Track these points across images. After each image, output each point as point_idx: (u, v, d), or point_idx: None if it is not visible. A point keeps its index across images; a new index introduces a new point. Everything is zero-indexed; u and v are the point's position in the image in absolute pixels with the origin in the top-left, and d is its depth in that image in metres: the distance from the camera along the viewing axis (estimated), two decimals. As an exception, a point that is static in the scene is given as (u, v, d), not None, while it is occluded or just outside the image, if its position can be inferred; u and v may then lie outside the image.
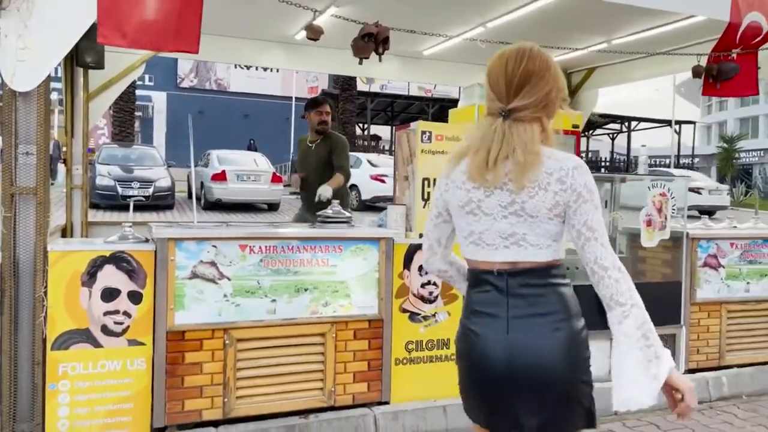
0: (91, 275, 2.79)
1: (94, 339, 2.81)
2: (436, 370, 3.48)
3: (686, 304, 4.12)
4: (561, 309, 1.63)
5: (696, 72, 4.33)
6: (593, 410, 1.64)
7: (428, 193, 3.55)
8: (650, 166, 28.92)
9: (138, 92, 22.78)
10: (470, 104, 5.08)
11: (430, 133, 3.56)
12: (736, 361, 4.25)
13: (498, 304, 1.62)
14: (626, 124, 30.46)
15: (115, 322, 2.84)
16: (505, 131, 1.59)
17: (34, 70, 2.58)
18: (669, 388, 1.52)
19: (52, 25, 2.61)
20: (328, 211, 3.51)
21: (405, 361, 3.41)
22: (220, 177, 14.82)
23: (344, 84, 22.82)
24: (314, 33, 3.35)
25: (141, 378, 2.89)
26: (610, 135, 32.56)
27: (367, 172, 15.93)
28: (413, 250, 3.41)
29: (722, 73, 4.21)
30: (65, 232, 4.37)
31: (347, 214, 3.52)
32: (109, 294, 2.83)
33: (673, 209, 4.00)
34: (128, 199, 13.45)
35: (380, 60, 3.48)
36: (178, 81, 35.38)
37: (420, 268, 3.42)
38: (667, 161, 30.98)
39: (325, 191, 4.52)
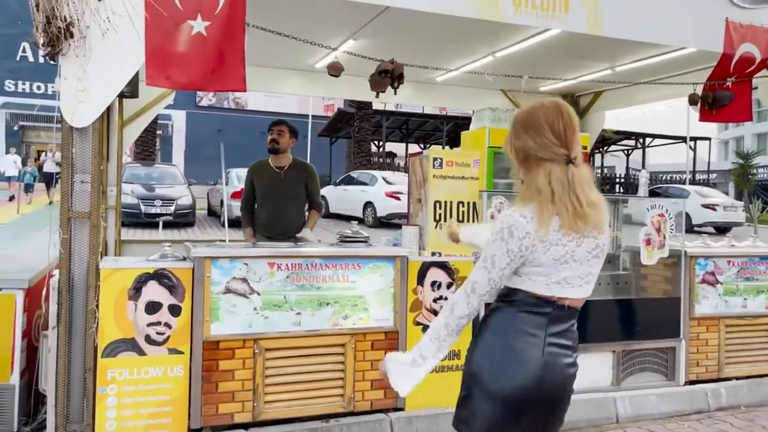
0: (136, 290, 3.12)
1: (139, 348, 3.13)
2: (447, 379, 3.73)
3: (685, 319, 4.35)
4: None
5: (692, 100, 4.59)
6: None
7: (439, 214, 3.84)
8: (665, 182, 28.92)
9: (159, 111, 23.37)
10: (481, 127, 5.35)
11: (441, 159, 3.86)
12: (734, 373, 4.46)
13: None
14: (641, 140, 30.53)
15: (157, 333, 3.16)
16: (575, 176, 1.73)
17: (91, 109, 2.93)
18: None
19: (107, 69, 2.96)
20: (348, 231, 3.82)
21: (419, 370, 3.69)
22: (240, 195, 15.19)
23: (360, 103, 23.23)
24: (336, 71, 3.68)
25: (179, 383, 3.20)
26: (625, 151, 32.63)
27: (382, 189, 16.24)
28: (426, 267, 3.70)
29: (717, 101, 4.47)
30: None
31: (365, 234, 3.82)
32: (152, 307, 3.15)
33: (672, 229, 4.25)
34: (151, 218, 13.95)
35: (395, 93, 3.79)
36: (197, 100, 36.15)
37: (432, 283, 3.71)
38: (683, 177, 30.95)
39: (308, 236, 4.59)
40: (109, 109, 4.97)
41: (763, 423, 4.00)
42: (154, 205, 14.57)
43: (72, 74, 2.92)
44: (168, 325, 3.18)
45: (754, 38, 4.34)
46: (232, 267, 3.28)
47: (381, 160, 24.70)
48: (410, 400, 3.64)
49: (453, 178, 3.84)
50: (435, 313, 3.72)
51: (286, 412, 3.38)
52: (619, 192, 27.84)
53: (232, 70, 3.09)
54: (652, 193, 22.30)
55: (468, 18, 3.79)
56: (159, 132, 26.14)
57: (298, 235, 4.61)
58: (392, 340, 3.60)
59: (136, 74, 3.65)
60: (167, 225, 14.08)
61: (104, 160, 5.02)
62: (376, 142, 26.68)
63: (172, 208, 14.68)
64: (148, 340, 3.15)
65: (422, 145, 29.70)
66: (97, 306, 3.05)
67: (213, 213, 18.50)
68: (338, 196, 18.04)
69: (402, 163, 27.73)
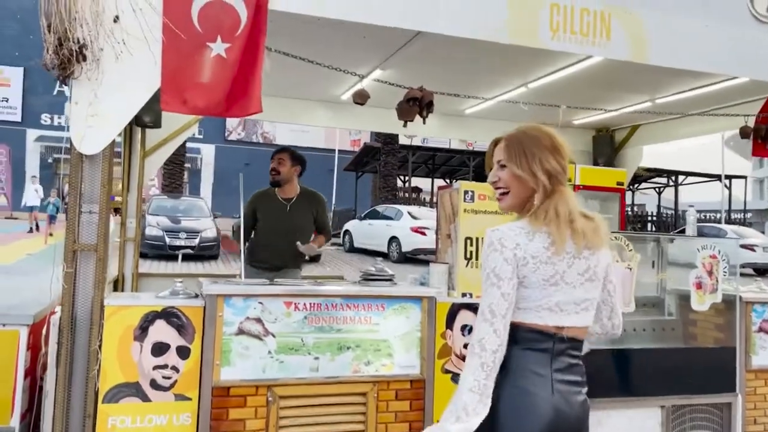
0: (143, 329, 2.89)
1: (143, 393, 2.88)
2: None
3: (741, 371, 3.95)
4: None
5: (744, 132, 4.30)
6: None
7: (471, 252, 3.57)
8: (699, 221, 28.12)
9: (188, 145, 23.73)
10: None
11: (473, 192, 3.61)
12: (797, 433, 4.02)
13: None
14: (673, 178, 29.88)
15: (164, 377, 2.91)
16: (570, 198, 1.78)
17: (101, 135, 2.76)
18: None
19: (119, 93, 2.80)
20: (371, 269, 3.56)
21: (447, 423, 3.36)
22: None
23: (386, 137, 23.22)
24: (362, 98, 3.49)
25: (186, 433, 2.94)
26: (657, 189, 31.95)
27: (407, 224, 16.04)
28: (456, 309, 3.41)
29: (771, 134, 4.17)
30: (117, 283, 4.53)
31: (390, 272, 3.55)
32: (159, 348, 2.91)
33: (725, 272, 3.90)
34: (175, 250, 13.90)
35: (424, 122, 3.58)
36: (226, 134, 36.68)
37: (463, 327, 3.41)
38: (718, 216, 30.10)
39: (309, 250, 4.27)
40: (131, 139, 4.89)
41: (834, 492, 3.56)
42: (179, 238, 14.54)
43: (83, 99, 2.76)
44: (175, 369, 2.93)
45: (809, 67, 4.04)
46: (246, 306, 3.03)
47: (407, 194, 24.55)
48: (437, 457, 3.30)
49: (485, 213, 3.57)
50: (465, 359, 3.41)
51: (301, 467, 3.08)
52: (652, 230, 27.16)
53: (251, 93, 2.91)
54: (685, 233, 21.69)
55: (502, 44, 3.60)
56: (188, 165, 26.48)
57: (300, 248, 4.23)
58: (418, 390, 3.29)
59: (158, 105, 3.52)
60: (191, 257, 14.03)
61: (125, 191, 4.92)
62: (402, 177, 26.58)
63: (197, 241, 14.64)
64: (154, 384, 2.90)
65: (448, 180, 29.52)
66: (99, 346, 2.82)
67: (238, 246, 18.41)
68: (363, 231, 17.87)
69: (428, 198, 27.57)
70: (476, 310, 3.38)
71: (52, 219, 19.42)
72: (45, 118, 31.70)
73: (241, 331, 3.01)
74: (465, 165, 26.70)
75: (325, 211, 4.55)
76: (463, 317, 3.42)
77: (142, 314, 2.90)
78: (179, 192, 20.02)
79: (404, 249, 15.73)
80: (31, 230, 20.20)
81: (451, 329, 3.40)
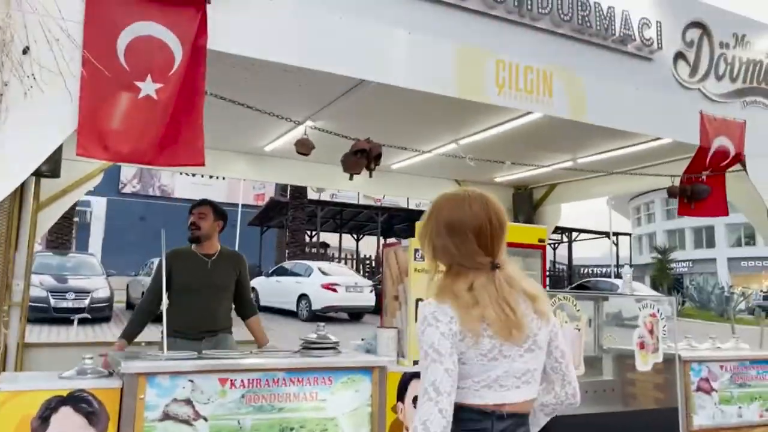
0: (43, 420, 2.36)
1: (39, 501, 2.33)
2: None
3: (683, 432, 3.93)
4: None
5: (671, 192, 4.44)
6: None
7: (420, 315, 3.32)
8: (592, 275, 29.73)
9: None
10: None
11: (421, 251, 3.39)
12: (737, 492, 4.02)
13: None
14: (566, 234, 31.57)
15: (67, 478, 2.38)
16: (502, 282, 1.61)
17: (2, 184, 2.29)
18: None
19: (26, 135, 2.37)
20: (312, 335, 3.21)
21: None
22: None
23: (294, 192, 22.87)
24: (305, 148, 3.22)
25: None
26: (552, 245, 33.63)
27: (318, 281, 15.55)
28: (408, 379, 3.12)
29: (696, 194, 4.33)
30: (-1, 357, 3.84)
31: (334, 339, 3.22)
32: (63, 443, 2.38)
33: (664, 330, 3.91)
34: (62, 312, 12.57)
35: (371, 176, 3.36)
36: (120, 187, 34.78)
37: (414, 399, 3.12)
38: (606, 270, 32.00)
39: (232, 342, 3.89)
40: (22, 188, 4.28)
41: None
42: (66, 299, 13.19)
43: (-20, 140, 2.30)
44: (82, 467, 2.41)
45: (727, 131, 4.29)
46: (173, 386, 2.58)
47: (314, 250, 24.12)
48: None
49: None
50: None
51: None
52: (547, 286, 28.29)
53: (188, 141, 2.57)
54: (582, 287, 22.71)
55: (442, 99, 3.50)
56: (76, 219, 24.52)
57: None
58: (368, 473, 2.93)
59: (58, 150, 3.05)
60: (81, 321, 12.72)
61: (12, 249, 4.26)
62: (309, 232, 26.18)
63: (87, 302, 13.34)
64: (54, 489, 2.36)
65: (355, 236, 29.43)
66: (-16, 445, 2.26)
67: (132, 306, 17.08)
68: (270, 288, 17.12)
69: (335, 254, 27.25)
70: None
71: None
72: None
73: (166, 416, 2.55)
74: (373, 220, 26.78)
75: (247, 274, 4.10)
76: (416, 388, 3.13)
77: (43, 400, 2.37)
78: (66, 248, 18.36)
79: (314, 307, 15.17)
80: None
81: (403, 401, 3.10)
